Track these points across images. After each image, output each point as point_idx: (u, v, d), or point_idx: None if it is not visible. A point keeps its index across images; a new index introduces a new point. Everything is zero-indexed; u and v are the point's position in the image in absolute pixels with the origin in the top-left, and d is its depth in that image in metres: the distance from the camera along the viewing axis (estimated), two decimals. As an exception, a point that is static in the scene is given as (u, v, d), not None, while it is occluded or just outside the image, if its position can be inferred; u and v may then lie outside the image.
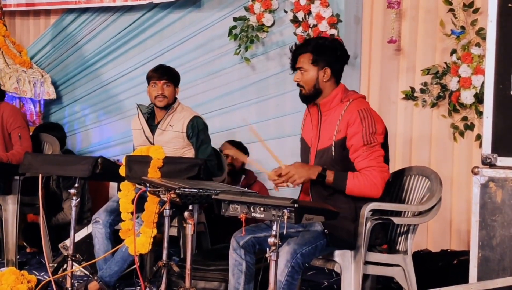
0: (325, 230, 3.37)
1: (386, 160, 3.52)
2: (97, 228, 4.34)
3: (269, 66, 6.06)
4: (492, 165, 3.26)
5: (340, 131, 3.48)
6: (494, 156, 3.26)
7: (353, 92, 3.65)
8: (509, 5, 3.25)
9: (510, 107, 3.24)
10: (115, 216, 4.31)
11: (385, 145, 3.53)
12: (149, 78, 4.62)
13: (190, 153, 4.58)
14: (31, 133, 5.31)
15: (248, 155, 5.76)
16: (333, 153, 3.49)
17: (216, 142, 5.35)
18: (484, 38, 4.88)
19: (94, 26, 6.96)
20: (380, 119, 3.54)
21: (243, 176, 5.72)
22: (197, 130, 4.57)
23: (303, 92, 3.61)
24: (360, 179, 3.41)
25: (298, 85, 3.63)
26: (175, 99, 4.65)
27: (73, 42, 7.09)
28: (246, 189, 5.51)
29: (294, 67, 3.66)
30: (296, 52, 3.64)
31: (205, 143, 4.63)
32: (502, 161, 3.24)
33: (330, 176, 3.42)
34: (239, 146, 5.71)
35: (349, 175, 3.42)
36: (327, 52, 3.58)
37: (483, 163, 3.28)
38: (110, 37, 6.85)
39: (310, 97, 3.61)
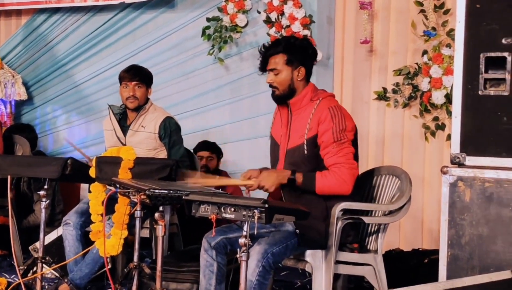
0: (297, 230, 3.38)
1: (356, 157, 3.52)
2: (67, 230, 4.30)
3: (242, 67, 6.05)
4: (460, 165, 3.28)
5: (311, 128, 3.48)
6: (463, 156, 3.28)
7: (322, 90, 3.66)
8: (477, 6, 3.28)
9: (478, 107, 3.27)
10: (86, 218, 4.28)
11: (354, 143, 3.54)
12: (121, 79, 4.59)
13: (162, 154, 4.56)
14: (1, 135, 5.25)
15: (222, 155, 5.76)
16: (305, 151, 3.49)
17: (190, 143, 5.33)
18: (454, 39, 4.91)
19: (65, 26, 6.90)
20: (350, 116, 3.56)
21: (217, 177, 5.69)
22: (169, 130, 4.55)
23: (277, 93, 3.60)
24: (329, 177, 3.41)
25: (271, 86, 3.61)
26: (147, 99, 4.62)
27: (44, 43, 7.03)
28: (219, 190, 5.51)
29: (264, 69, 3.64)
30: (267, 54, 3.62)
31: (177, 144, 4.61)
32: (470, 160, 3.27)
33: (299, 178, 3.44)
34: (213, 147, 5.70)
35: (317, 175, 3.43)
36: (300, 51, 3.59)
37: (452, 162, 3.30)
38: (82, 37, 6.80)
39: (284, 97, 3.60)
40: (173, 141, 4.57)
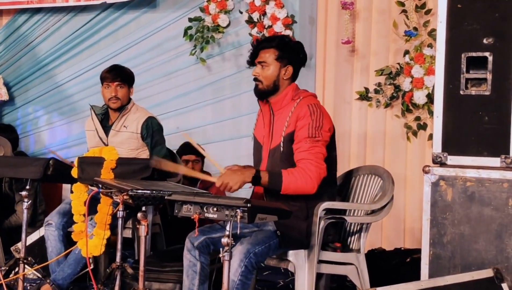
0: (277, 232, 3.38)
1: (331, 160, 3.52)
2: (49, 231, 4.27)
3: (224, 67, 6.05)
4: (442, 164, 3.30)
5: (289, 125, 3.48)
6: (444, 155, 3.30)
7: (304, 90, 3.67)
8: (459, 6, 3.30)
9: (460, 106, 3.30)
10: (68, 218, 4.26)
11: (331, 146, 3.54)
12: (102, 79, 4.58)
13: (144, 154, 4.55)
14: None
15: (204, 157, 5.74)
16: (282, 149, 3.49)
17: (172, 143, 5.32)
18: (436, 39, 4.94)
19: (47, 27, 6.86)
20: (329, 117, 3.55)
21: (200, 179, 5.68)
22: (151, 130, 4.54)
23: (260, 86, 3.58)
24: (295, 174, 3.37)
25: (255, 79, 3.60)
26: (130, 99, 4.61)
27: (26, 43, 6.98)
28: (197, 185, 5.49)
29: (253, 62, 3.64)
30: (259, 47, 3.62)
31: (159, 144, 4.60)
32: (452, 159, 3.29)
33: (265, 177, 3.39)
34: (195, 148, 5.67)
35: (284, 173, 3.38)
36: (291, 51, 3.60)
37: (434, 162, 3.32)
38: (64, 38, 6.77)
39: (266, 92, 3.59)
40: (155, 141, 4.56)
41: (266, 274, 4.84)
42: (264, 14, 5.67)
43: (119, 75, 4.53)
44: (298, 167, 3.40)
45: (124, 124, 4.51)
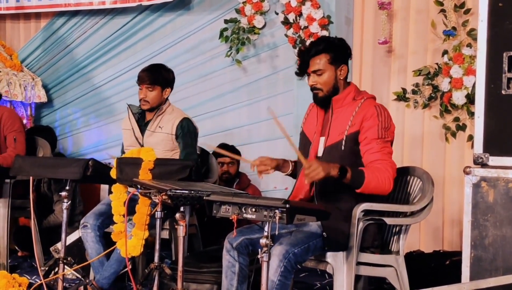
0: (324, 233, 3.35)
1: None
2: (86, 233, 4.27)
3: (260, 68, 6.06)
4: (484, 165, 3.25)
5: (353, 125, 3.45)
6: (486, 156, 3.25)
7: (365, 91, 3.65)
8: (500, 4, 3.25)
9: (501, 106, 3.24)
10: (104, 218, 4.26)
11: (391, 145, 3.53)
12: (137, 79, 4.60)
13: (179, 155, 4.54)
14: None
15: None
16: (343, 147, 3.45)
17: (208, 144, 5.32)
18: (475, 39, 4.89)
19: (84, 29, 6.95)
20: (391, 118, 3.53)
21: (237, 179, 5.69)
22: (185, 131, 4.51)
23: (320, 94, 3.55)
24: (375, 173, 3.33)
25: (314, 88, 3.56)
26: (166, 100, 4.59)
27: (64, 45, 7.08)
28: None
29: (303, 73, 3.60)
30: (309, 55, 3.56)
31: (191, 146, 4.56)
32: (493, 160, 3.23)
33: (348, 172, 3.31)
34: (232, 150, 5.68)
35: (365, 171, 3.33)
36: (341, 50, 3.58)
37: (475, 162, 3.27)
38: (101, 40, 6.84)
39: (328, 98, 3.56)
40: (186, 143, 4.51)
41: (303, 276, 4.83)
42: (300, 15, 5.66)
43: (148, 79, 4.49)
44: (376, 166, 3.37)
45: (159, 125, 4.50)
